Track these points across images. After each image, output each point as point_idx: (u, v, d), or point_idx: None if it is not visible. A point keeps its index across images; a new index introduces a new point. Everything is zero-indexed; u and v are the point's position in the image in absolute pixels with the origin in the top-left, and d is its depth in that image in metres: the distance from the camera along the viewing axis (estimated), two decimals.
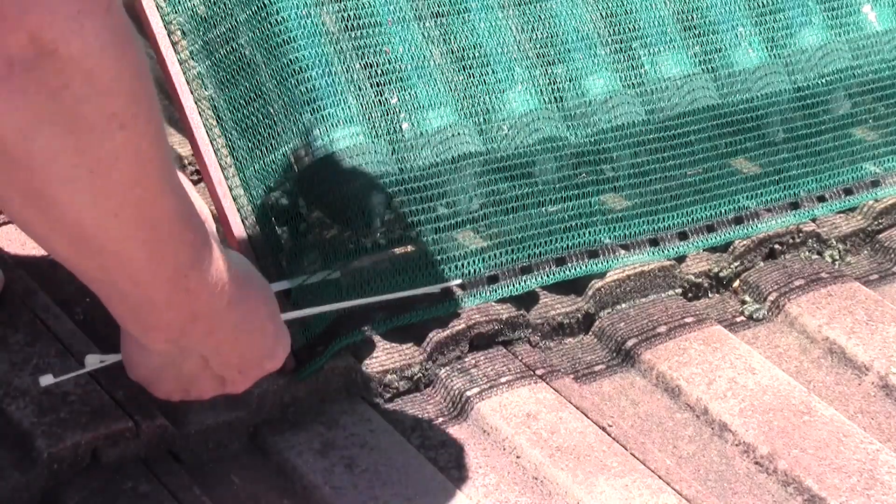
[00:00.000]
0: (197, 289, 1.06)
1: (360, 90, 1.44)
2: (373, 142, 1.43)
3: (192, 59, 1.43)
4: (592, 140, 1.57)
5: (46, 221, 0.96)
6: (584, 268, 1.54)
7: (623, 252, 1.58)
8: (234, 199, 1.41)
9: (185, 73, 1.42)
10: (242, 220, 1.40)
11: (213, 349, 1.15)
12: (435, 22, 1.51)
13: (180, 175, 1.18)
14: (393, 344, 1.43)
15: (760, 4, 1.70)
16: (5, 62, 0.86)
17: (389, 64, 1.46)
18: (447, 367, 1.44)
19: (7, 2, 0.84)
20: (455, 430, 1.39)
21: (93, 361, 1.26)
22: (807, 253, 1.70)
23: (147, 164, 0.96)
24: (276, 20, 1.41)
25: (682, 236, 1.63)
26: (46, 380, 1.24)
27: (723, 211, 1.65)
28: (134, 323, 1.10)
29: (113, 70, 0.90)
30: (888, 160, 1.79)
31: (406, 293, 1.41)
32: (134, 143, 0.94)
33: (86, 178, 0.93)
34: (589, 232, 1.55)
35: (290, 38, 1.41)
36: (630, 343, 1.52)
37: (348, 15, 1.45)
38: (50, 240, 0.99)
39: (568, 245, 1.54)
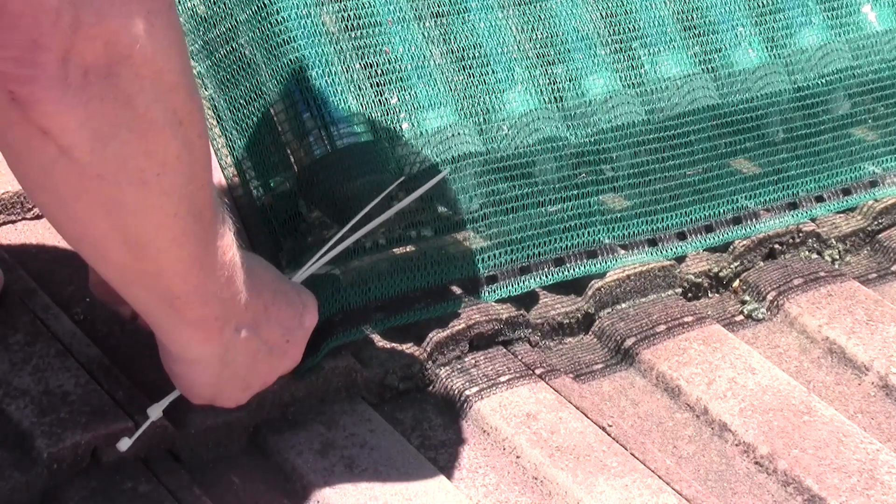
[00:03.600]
0: (233, 271, 1.07)
1: (360, 90, 1.44)
2: (373, 141, 1.43)
3: (192, 58, 1.43)
4: (592, 140, 1.57)
5: (108, 227, 0.96)
6: (583, 268, 1.54)
7: (622, 252, 1.58)
8: (235, 200, 1.41)
9: None
10: (242, 220, 1.40)
11: (253, 328, 1.15)
12: (435, 22, 1.51)
13: None
14: (393, 344, 1.43)
15: (760, 4, 1.71)
16: (82, 73, 0.85)
17: (389, 64, 1.46)
18: (447, 367, 1.44)
19: (85, 10, 0.84)
20: (455, 430, 1.39)
21: (156, 412, 1.25)
22: (806, 253, 1.70)
23: (199, 157, 0.98)
24: (276, 20, 1.41)
25: (682, 236, 1.63)
26: (125, 444, 1.23)
27: (722, 211, 1.65)
28: (181, 324, 1.10)
29: (178, 68, 0.91)
30: (888, 160, 1.79)
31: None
32: (190, 139, 0.95)
33: (153, 180, 0.93)
34: (588, 232, 1.55)
35: (290, 37, 1.41)
36: (629, 342, 1.52)
37: (348, 15, 1.45)
38: (108, 246, 0.98)
39: (567, 245, 1.54)
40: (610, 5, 1.61)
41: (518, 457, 1.36)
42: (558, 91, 1.56)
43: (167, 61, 0.90)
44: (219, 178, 1.41)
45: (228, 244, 1.06)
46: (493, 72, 1.52)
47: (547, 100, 1.55)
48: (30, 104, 0.85)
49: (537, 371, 1.46)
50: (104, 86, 0.87)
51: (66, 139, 0.87)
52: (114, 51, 0.86)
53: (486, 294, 1.48)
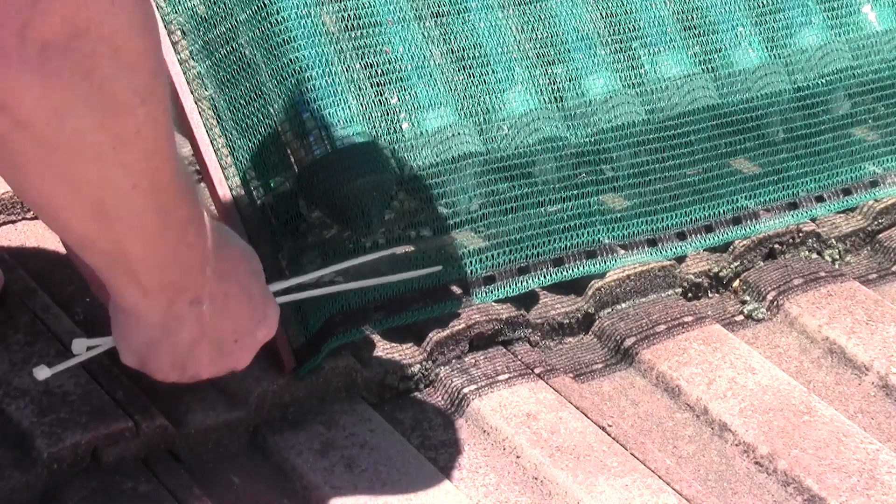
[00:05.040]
0: (195, 241, 1.09)
1: (360, 90, 1.44)
2: (373, 141, 1.43)
3: (192, 59, 1.43)
4: (592, 140, 1.57)
5: (66, 194, 0.97)
6: (583, 268, 1.54)
7: (622, 252, 1.58)
8: (234, 199, 1.40)
9: (185, 73, 1.42)
10: (242, 220, 1.40)
11: (211, 309, 1.16)
12: (435, 22, 1.51)
13: None
14: (393, 344, 1.43)
15: (760, 4, 1.70)
16: (39, 47, 0.86)
17: (389, 64, 1.46)
18: (447, 367, 1.44)
19: None
20: (455, 430, 1.39)
21: (80, 347, 1.25)
22: (806, 253, 1.70)
23: (162, 136, 0.99)
24: (276, 20, 1.41)
25: (682, 236, 1.63)
26: (42, 373, 1.24)
27: (722, 211, 1.65)
28: (136, 287, 1.11)
29: (140, 47, 0.92)
30: (888, 160, 1.79)
31: (399, 276, 1.41)
32: (152, 117, 0.96)
33: (110, 154, 0.95)
34: (588, 232, 1.55)
35: (290, 37, 1.41)
36: (629, 342, 1.52)
37: (348, 15, 1.45)
38: (68, 216, 1.00)
39: (567, 245, 1.54)
40: (610, 5, 1.61)
41: (518, 457, 1.36)
42: (558, 91, 1.56)
43: (127, 39, 0.90)
44: (219, 177, 1.41)
45: (193, 220, 1.08)
46: (493, 72, 1.52)
47: (547, 100, 1.55)
48: None
49: (537, 371, 1.46)
50: (61, 61, 0.87)
51: (22, 113, 0.88)
52: (71, 26, 0.87)
53: (486, 294, 1.48)
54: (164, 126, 0.98)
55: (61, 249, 1.49)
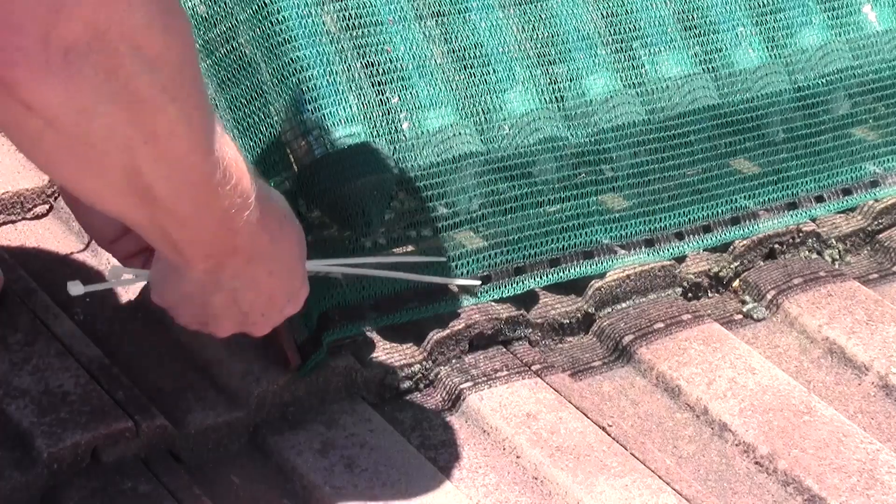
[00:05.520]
0: (241, 229, 1.11)
1: (360, 90, 1.44)
2: (373, 141, 1.43)
3: None
4: (592, 140, 1.57)
5: (101, 184, 1.00)
6: (582, 268, 1.54)
7: (621, 252, 1.58)
8: None
9: None
10: None
11: (247, 283, 1.19)
12: (436, 21, 1.51)
13: None
14: (393, 343, 1.43)
15: (760, 4, 1.70)
16: (62, 51, 0.88)
17: (390, 63, 1.46)
18: (447, 367, 1.44)
19: None
20: (455, 430, 1.39)
21: (116, 274, 1.26)
22: (806, 253, 1.70)
23: (198, 131, 1.00)
24: (277, 20, 1.41)
25: (681, 236, 1.63)
26: (76, 288, 1.24)
27: (722, 211, 1.65)
28: (175, 254, 1.14)
29: (161, 44, 0.94)
30: (888, 160, 1.79)
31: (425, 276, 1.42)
32: (185, 114, 0.98)
33: (141, 147, 0.97)
34: (587, 232, 1.55)
35: (290, 37, 1.41)
36: (627, 339, 1.52)
37: (349, 14, 1.45)
38: (102, 198, 1.03)
39: (566, 245, 1.54)
40: (610, 5, 1.61)
41: (518, 457, 1.36)
42: (559, 91, 1.56)
43: (146, 37, 0.92)
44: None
45: (238, 210, 1.09)
46: (494, 71, 1.52)
47: (547, 99, 1.55)
48: (13, 85, 0.89)
49: (537, 370, 1.46)
50: (84, 62, 0.90)
51: (52, 113, 0.91)
52: (92, 28, 0.89)
53: (486, 293, 1.48)
54: (199, 124, 1.00)
55: (61, 249, 1.49)
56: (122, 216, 1.08)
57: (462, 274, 1.47)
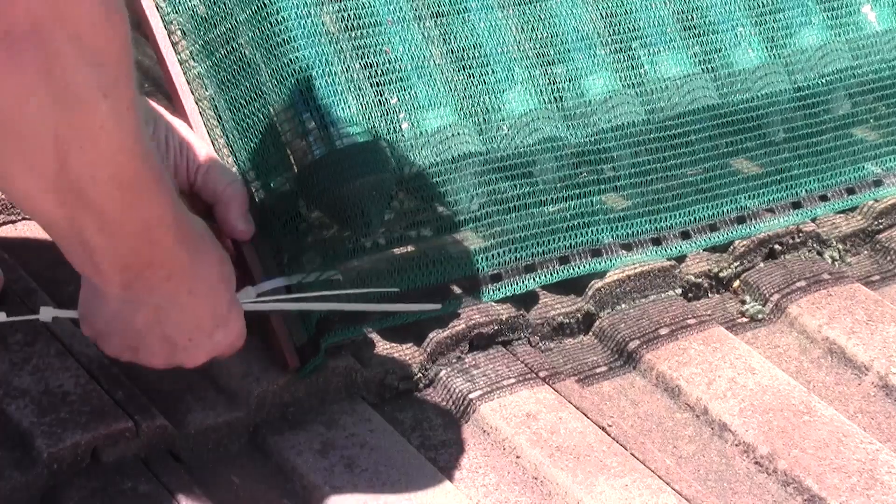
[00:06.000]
0: (160, 240, 1.11)
1: (359, 90, 1.44)
2: (372, 142, 1.43)
3: (193, 59, 1.43)
4: (592, 140, 1.57)
5: (28, 177, 0.99)
6: (584, 267, 1.54)
7: (623, 252, 1.58)
8: None
9: (185, 74, 1.42)
10: None
11: (166, 298, 1.17)
12: (435, 22, 1.51)
13: (153, 103, 1.24)
14: (393, 344, 1.43)
15: (760, 4, 1.70)
16: (1, 35, 0.88)
17: (389, 64, 1.46)
18: (447, 368, 1.44)
19: None
20: (455, 430, 1.39)
21: (47, 313, 1.26)
22: (807, 253, 1.70)
23: (127, 131, 1.00)
24: (276, 20, 1.41)
25: (683, 236, 1.63)
26: (47, 314, 1.25)
27: (723, 210, 1.65)
28: (92, 269, 1.13)
29: (104, 38, 0.94)
30: (889, 160, 1.79)
31: (395, 306, 1.41)
32: (117, 111, 0.97)
33: (72, 143, 0.96)
34: (589, 231, 1.55)
35: (290, 37, 1.41)
36: (632, 345, 1.52)
37: (348, 15, 1.45)
38: (27, 192, 1.02)
39: (568, 245, 1.54)
40: (610, 5, 1.61)
41: (518, 457, 1.36)
42: (558, 91, 1.56)
43: (90, 31, 0.92)
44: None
45: (160, 221, 1.09)
46: (493, 72, 1.52)
47: (547, 100, 1.55)
48: None
49: (537, 371, 1.46)
50: (22, 49, 0.89)
51: None
52: (33, 16, 0.89)
53: (486, 294, 1.48)
54: (129, 122, 0.99)
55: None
56: (43, 216, 1.06)
57: (462, 274, 1.47)
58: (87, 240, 1.07)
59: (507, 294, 1.50)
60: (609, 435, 1.39)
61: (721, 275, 1.65)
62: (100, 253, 1.09)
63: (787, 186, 1.70)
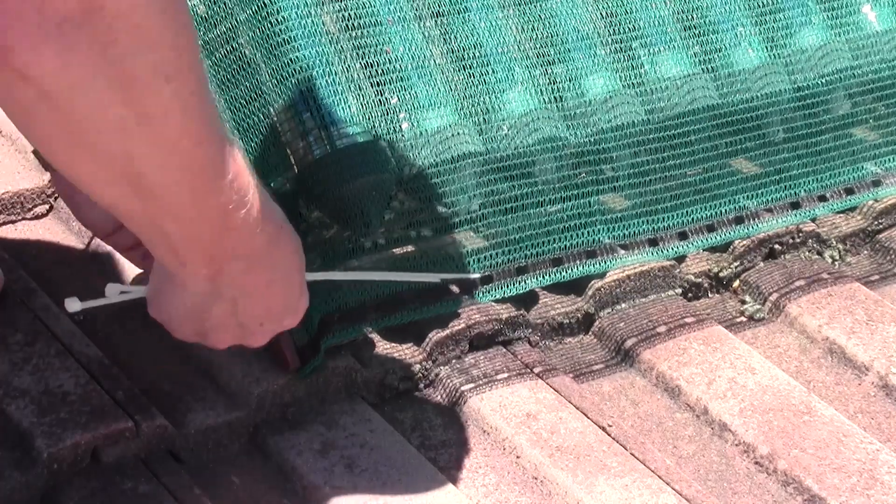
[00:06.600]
0: (239, 227, 1.09)
1: (360, 90, 1.44)
2: (373, 142, 1.43)
3: None
4: (592, 140, 1.57)
5: (94, 166, 0.99)
6: (583, 267, 1.54)
7: (622, 252, 1.58)
8: None
9: None
10: None
11: (246, 291, 1.17)
12: (435, 22, 1.51)
13: None
14: (393, 344, 1.43)
15: (760, 4, 1.70)
16: (56, 21, 0.88)
17: (389, 64, 1.46)
18: (447, 367, 1.44)
19: None
20: (455, 430, 1.39)
21: (113, 291, 1.26)
22: (807, 253, 1.70)
23: (193, 116, 0.99)
24: (276, 20, 1.41)
25: (682, 236, 1.63)
26: (73, 305, 1.24)
27: (723, 211, 1.65)
28: (175, 261, 1.13)
29: (159, 24, 0.93)
30: (889, 160, 1.79)
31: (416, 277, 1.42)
32: (180, 97, 0.97)
33: (134, 129, 0.96)
34: (588, 232, 1.55)
35: (290, 37, 1.41)
36: (629, 343, 1.52)
37: (348, 14, 1.45)
38: (96, 183, 1.02)
39: (567, 245, 1.54)
40: (610, 5, 1.61)
41: (518, 457, 1.36)
42: (558, 91, 1.56)
43: (145, 17, 0.92)
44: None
45: (236, 207, 1.08)
46: (493, 71, 1.52)
47: (547, 100, 1.55)
48: (7, 50, 0.88)
49: (537, 371, 1.46)
50: (78, 35, 0.89)
51: (45, 84, 0.91)
52: (87, 2, 0.89)
53: (485, 294, 1.48)
54: (194, 109, 0.99)
55: (61, 249, 1.49)
56: (116, 207, 1.06)
57: (469, 274, 1.47)
58: (165, 229, 1.07)
59: (507, 294, 1.50)
60: (609, 435, 1.39)
61: (721, 274, 1.65)
62: (181, 244, 1.10)
63: (786, 186, 1.70)
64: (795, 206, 1.70)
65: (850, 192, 1.75)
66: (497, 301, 1.49)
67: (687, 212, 1.63)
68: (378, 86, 1.45)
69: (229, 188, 1.06)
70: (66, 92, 0.91)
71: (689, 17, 1.66)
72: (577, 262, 1.54)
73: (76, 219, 1.38)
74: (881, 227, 1.76)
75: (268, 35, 1.41)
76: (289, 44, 1.41)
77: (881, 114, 1.79)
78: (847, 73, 1.74)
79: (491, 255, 1.49)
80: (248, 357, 1.35)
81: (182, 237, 1.09)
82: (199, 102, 0.99)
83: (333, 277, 1.36)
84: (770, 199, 1.69)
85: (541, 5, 1.57)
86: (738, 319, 1.62)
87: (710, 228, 1.65)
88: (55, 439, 1.22)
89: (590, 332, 1.56)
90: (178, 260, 1.13)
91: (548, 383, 1.44)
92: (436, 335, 1.44)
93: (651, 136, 1.60)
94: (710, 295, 1.64)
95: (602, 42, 1.60)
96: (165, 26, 0.93)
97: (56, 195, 1.54)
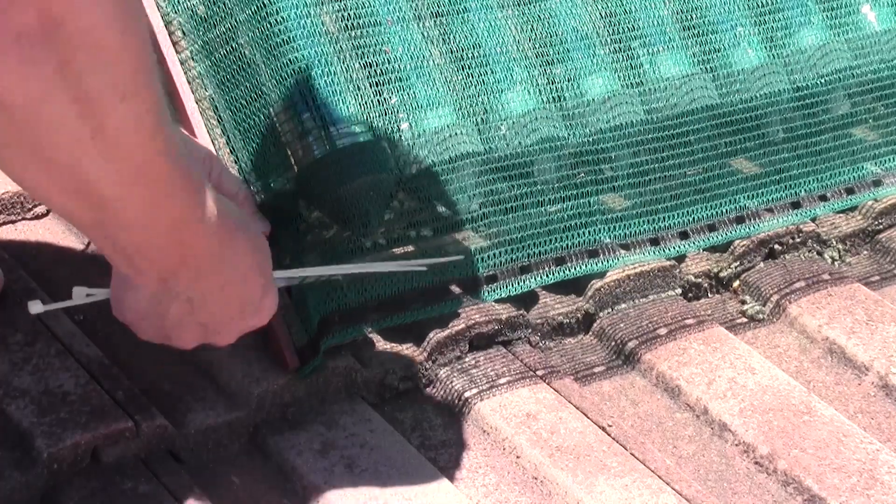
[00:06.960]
0: (190, 238, 1.10)
1: (359, 90, 1.44)
2: (372, 142, 1.43)
3: (192, 59, 1.43)
4: (592, 140, 1.57)
5: (47, 176, 0.99)
6: (583, 267, 1.54)
7: (623, 252, 1.58)
8: None
9: (185, 74, 1.42)
10: None
11: (199, 293, 1.17)
12: (434, 22, 1.51)
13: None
14: (393, 344, 1.43)
15: (760, 4, 1.70)
16: (14, 36, 0.88)
17: (389, 64, 1.46)
18: (447, 367, 1.44)
19: None
20: (455, 430, 1.39)
21: (80, 294, 1.26)
22: (807, 253, 1.70)
23: (147, 133, 0.99)
24: (276, 20, 1.41)
25: (682, 236, 1.63)
26: (36, 307, 1.24)
27: (723, 211, 1.65)
28: (126, 265, 1.13)
29: (118, 43, 0.93)
30: (889, 160, 1.79)
31: (396, 266, 1.41)
32: (135, 114, 0.97)
33: (88, 143, 0.96)
34: (588, 231, 1.55)
35: (289, 37, 1.41)
36: (631, 345, 1.52)
37: (348, 14, 1.45)
38: (50, 195, 1.02)
39: (567, 245, 1.54)
40: (609, 5, 1.61)
41: (518, 457, 1.36)
42: (557, 91, 1.56)
43: (105, 36, 0.92)
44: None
45: (189, 220, 1.08)
46: (493, 72, 1.52)
47: (546, 100, 1.55)
48: None
49: (537, 371, 1.46)
50: (37, 50, 0.89)
51: (3, 95, 0.91)
52: (46, 17, 0.88)
53: (486, 294, 1.48)
54: (149, 126, 0.99)
55: (61, 249, 1.49)
56: (68, 216, 1.07)
57: (462, 274, 1.47)
58: (115, 238, 1.08)
59: (507, 294, 1.50)
60: (609, 435, 1.39)
61: (721, 275, 1.65)
62: (133, 251, 1.10)
63: (786, 186, 1.70)
64: (796, 205, 1.70)
65: (850, 191, 1.76)
66: (497, 301, 1.49)
67: (687, 211, 1.63)
68: (377, 86, 1.45)
69: (181, 201, 1.07)
70: (23, 105, 0.92)
71: (689, 17, 1.66)
72: (580, 261, 1.54)
73: None
74: (881, 227, 1.76)
75: (267, 35, 1.41)
76: (288, 44, 1.41)
77: (881, 114, 1.79)
78: (847, 72, 1.74)
79: (492, 255, 1.49)
80: (248, 357, 1.35)
81: (133, 245, 1.09)
82: (154, 119, 1.00)
83: (305, 274, 1.35)
84: (770, 198, 1.69)
85: (540, 5, 1.57)
86: (739, 320, 1.62)
87: (712, 228, 1.65)
88: (55, 439, 1.22)
89: (590, 333, 1.56)
90: (131, 266, 1.13)
91: (548, 384, 1.44)
92: (436, 335, 1.44)
93: (651, 135, 1.60)
94: (710, 295, 1.64)
95: (601, 42, 1.60)
96: (125, 45, 0.94)
97: None
